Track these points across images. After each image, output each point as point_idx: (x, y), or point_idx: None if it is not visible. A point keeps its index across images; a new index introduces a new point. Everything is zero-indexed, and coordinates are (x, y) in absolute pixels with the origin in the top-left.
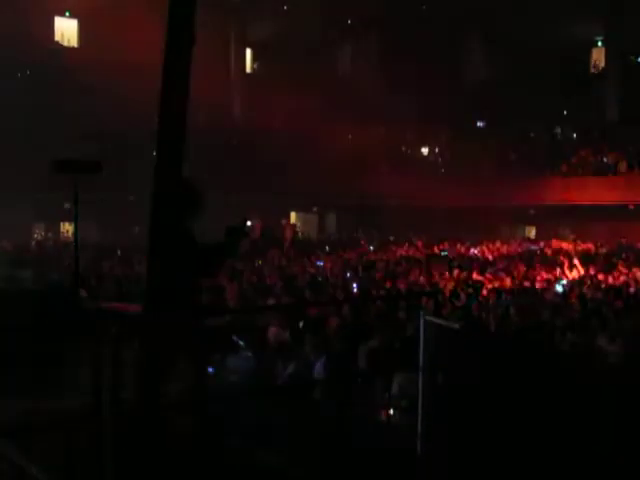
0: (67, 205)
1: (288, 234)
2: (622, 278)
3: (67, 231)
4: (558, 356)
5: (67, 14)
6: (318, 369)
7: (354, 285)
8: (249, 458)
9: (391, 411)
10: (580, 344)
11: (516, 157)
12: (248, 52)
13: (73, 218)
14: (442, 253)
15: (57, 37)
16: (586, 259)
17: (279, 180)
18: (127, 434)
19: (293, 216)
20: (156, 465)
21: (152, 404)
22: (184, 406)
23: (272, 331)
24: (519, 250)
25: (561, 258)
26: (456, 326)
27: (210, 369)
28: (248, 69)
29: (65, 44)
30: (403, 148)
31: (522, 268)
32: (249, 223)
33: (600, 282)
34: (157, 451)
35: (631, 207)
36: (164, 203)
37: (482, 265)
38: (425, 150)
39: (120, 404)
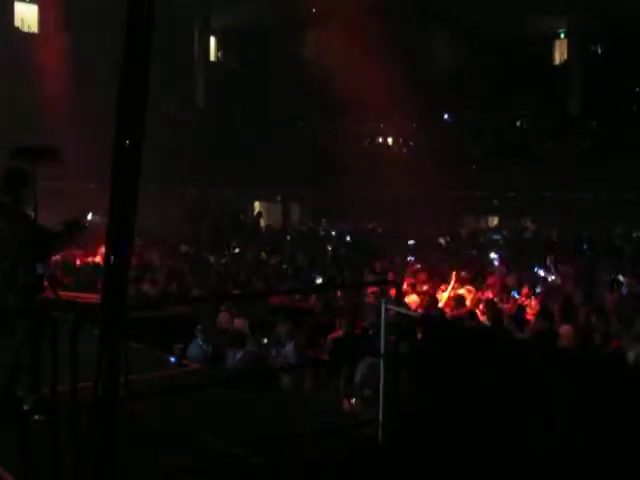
0: None
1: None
2: None
3: None
4: (516, 342)
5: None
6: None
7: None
8: (211, 447)
9: (353, 400)
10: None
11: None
12: (212, 40)
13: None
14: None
15: (17, 23)
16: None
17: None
18: (86, 425)
19: (257, 205)
20: (115, 455)
21: (111, 395)
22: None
23: (223, 317)
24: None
25: None
26: (417, 314)
27: (172, 358)
28: (212, 57)
29: (25, 30)
30: (368, 138)
31: None
32: (89, 217)
33: None
34: (116, 442)
35: None
36: (124, 190)
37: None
38: (390, 140)
39: (78, 395)
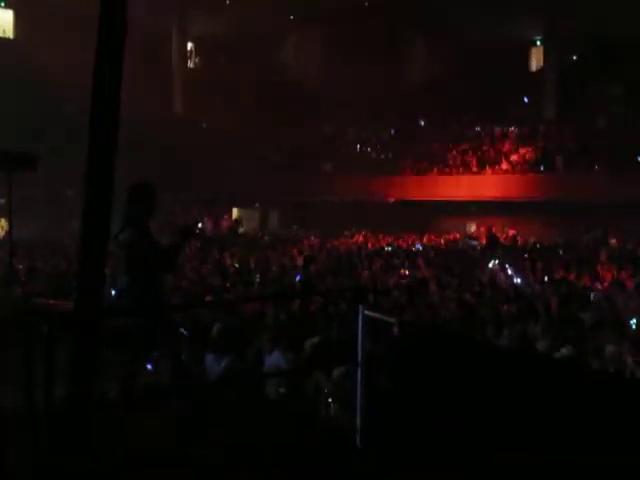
0: (1, 200)
1: (225, 224)
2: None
3: (1, 227)
4: (492, 348)
5: (2, 4)
6: (270, 362)
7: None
8: (189, 455)
9: (331, 406)
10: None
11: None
12: (190, 47)
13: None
14: (387, 248)
15: None
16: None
17: (220, 177)
18: (60, 433)
19: (235, 212)
20: (89, 463)
21: (85, 402)
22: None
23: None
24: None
25: None
26: (393, 320)
27: (149, 365)
28: (189, 64)
29: (0, 35)
30: (343, 145)
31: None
32: (200, 225)
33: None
34: (90, 450)
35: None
36: (95, 199)
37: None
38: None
39: (52, 403)
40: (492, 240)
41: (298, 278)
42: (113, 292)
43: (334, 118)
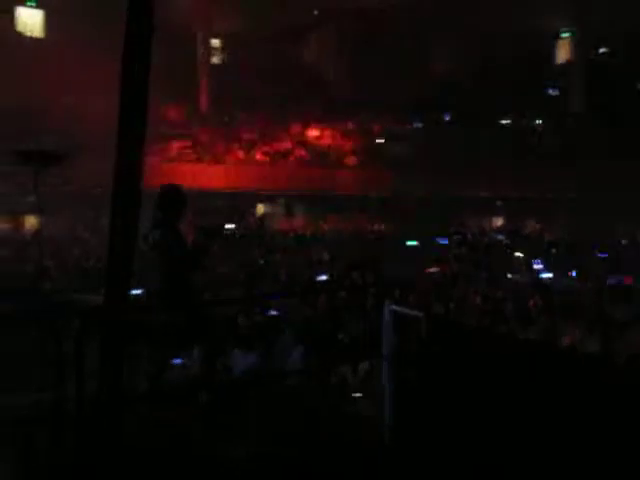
0: (31, 198)
1: (251, 221)
2: None
3: (31, 224)
4: (521, 344)
5: (32, 4)
6: (294, 359)
7: (321, 275)
8: (213, 450)
9: (359, 402)
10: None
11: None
12: (215, 43)
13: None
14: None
15: (20, 27)
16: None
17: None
18: (90, 429)
19: (260, 207)
20: (119, 459)
21: (115, 398)
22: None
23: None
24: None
25: None
26: (420, 315)
27: (177, 360)
28: (215, 60)
29: (28, 35)
30: (368, 140)
31: None
32: (227, 226)
33: None
34: (120, 445)
35: None
36: (123, 195)
37: None
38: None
39: (83, 398)
40: (515, 234)
41: (321, 277)
42: (139, 291)
43: (357, 112)
